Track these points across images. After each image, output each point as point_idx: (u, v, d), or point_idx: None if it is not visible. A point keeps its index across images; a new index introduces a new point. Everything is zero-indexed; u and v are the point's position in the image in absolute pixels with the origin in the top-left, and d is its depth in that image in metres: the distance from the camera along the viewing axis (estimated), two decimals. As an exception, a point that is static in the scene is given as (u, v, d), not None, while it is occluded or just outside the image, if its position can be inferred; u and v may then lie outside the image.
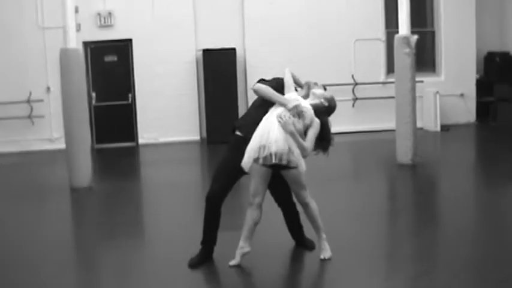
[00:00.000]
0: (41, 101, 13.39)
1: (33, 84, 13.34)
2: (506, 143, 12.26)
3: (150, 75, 13.59)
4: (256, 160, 5.29)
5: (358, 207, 7.57)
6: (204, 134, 13.71)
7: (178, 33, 13.55)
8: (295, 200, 5.70)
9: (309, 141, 5.30)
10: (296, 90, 5.60)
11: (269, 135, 5.23)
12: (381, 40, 14.16)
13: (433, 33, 14.58)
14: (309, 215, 5.58)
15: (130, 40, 13.61)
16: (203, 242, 5.64)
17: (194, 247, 5.64)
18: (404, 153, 9.95)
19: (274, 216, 6.13)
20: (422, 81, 13.25)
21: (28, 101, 13.33)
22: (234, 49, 13.37)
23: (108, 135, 13.76)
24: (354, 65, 14.02)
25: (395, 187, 9.31)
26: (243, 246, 5.50)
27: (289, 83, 5.55)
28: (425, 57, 14.57)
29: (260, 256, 5.64)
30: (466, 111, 14.50)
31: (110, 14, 13.49)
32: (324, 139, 5.44)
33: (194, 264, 5.51)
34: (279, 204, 5.87)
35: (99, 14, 13.47)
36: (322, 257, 5.52)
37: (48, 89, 13.40)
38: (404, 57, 9.90)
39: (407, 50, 9.87)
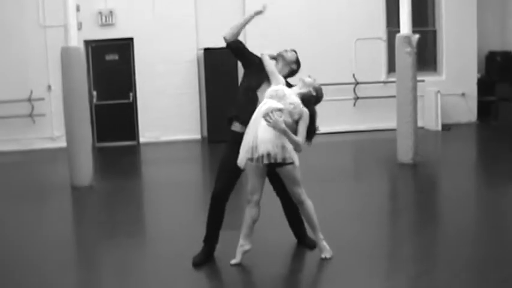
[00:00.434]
0: (42, 99, 13.40)
1: (34, 83, 13.35)
2: (508, 142, 12.25)
3: (151, 74, 13.60)
4: (250, 159, 5.28)
5: (358, 207, 7.57)
6: (205, 133, 13.73)
7: (180, 32, 13.56)
8: None
9: (301, 135, 5.24)
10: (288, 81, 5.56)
11: (258, 136, 5.16)
12: (382, 39, 14.16)
13: (434, 33, 14.58)
14: (304, 213, 5.56)
15: (131, 39, 13.62)
16: (206, 240, 5.64)
17: (195, 246, 5.64)
18: (405, 152, 9.95)
19: (275, 214, 6.14)
20: (423, 81, 13.24)
21: (29, 100, 13.34)
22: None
23: (109, 134, 13.77)
24: (355, 64, 14.02)
25: (396, 186, 9.30)
26: (243, 244, 5.50)
27: (274, 71, 5.49)
28: (426, 57, 14.58)
29: (261, 255, 5.64)
30: (467, 111, 14.50)
31: (111, 12, 13.50)
32: (310, 130, 5.35)
33: (198, 263, 5.51)
34: (278, 194, 5.84)
35: (100, 13, 13.48)
36: (323, 256, 5.52)
37: (49, 87, 13.41)
38: (405, 57, 9.89)
39: (408, 49, 9.86)
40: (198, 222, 5.70)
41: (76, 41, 9.30)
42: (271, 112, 5.14)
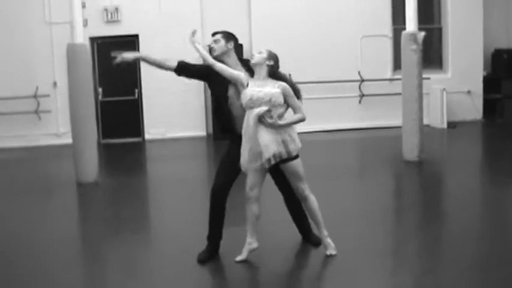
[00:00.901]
0: (48, 96, 13.44)
1: (40, 79, 13.39)
2: (513, 140, 12.23)
3: (157, 70, 13.50)
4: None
5: (364, 204, 7.57)
6: (211, 130, 13.73)
7: (185, 29, 13.52)
8: None
9: (298, 109, 5.32)
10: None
11: (259, 143, 5.18)
12: (387, 37, 14.14)
13: (440, 30, 14.55)
14: (308, 208, 5.55)
15: (137, 36, 13.63)
16: (209, 237, 5.65)
17: (200, 243, 5.65)
18: (410, 150, 9.94)
19: (279, 211, 6.14)
20: (429, 78, 13.21)
21: (35, 96, 13.37)
22: (241, 45, 13.36)
23: (114, 131, 13.80)
24: (360, 61, 14.01)
25: (401, 184, 9.29)
26: (251, 242, 5.51)
27: (228, 70, 5.68)
28: (432, 54, 14.55)
29: (266, 251, 5.64)
30: (472, 108, 14.47)
31: (116, 9, 13.51)
32: (295, 90, 5.36)
33: (203, 260, 5.52)
34: (280, 189, 5.83)
35: (106, 10, 13.50)
36: (328, 253, 5.52)
37: (55, 84, 13.45)
38: (411, 54, 9.88)
39: (414, 46, 9.84)
40: (203, 219, 5.71)
41: (82, 38, 9.32)
42: (263, 117, 5.17)
